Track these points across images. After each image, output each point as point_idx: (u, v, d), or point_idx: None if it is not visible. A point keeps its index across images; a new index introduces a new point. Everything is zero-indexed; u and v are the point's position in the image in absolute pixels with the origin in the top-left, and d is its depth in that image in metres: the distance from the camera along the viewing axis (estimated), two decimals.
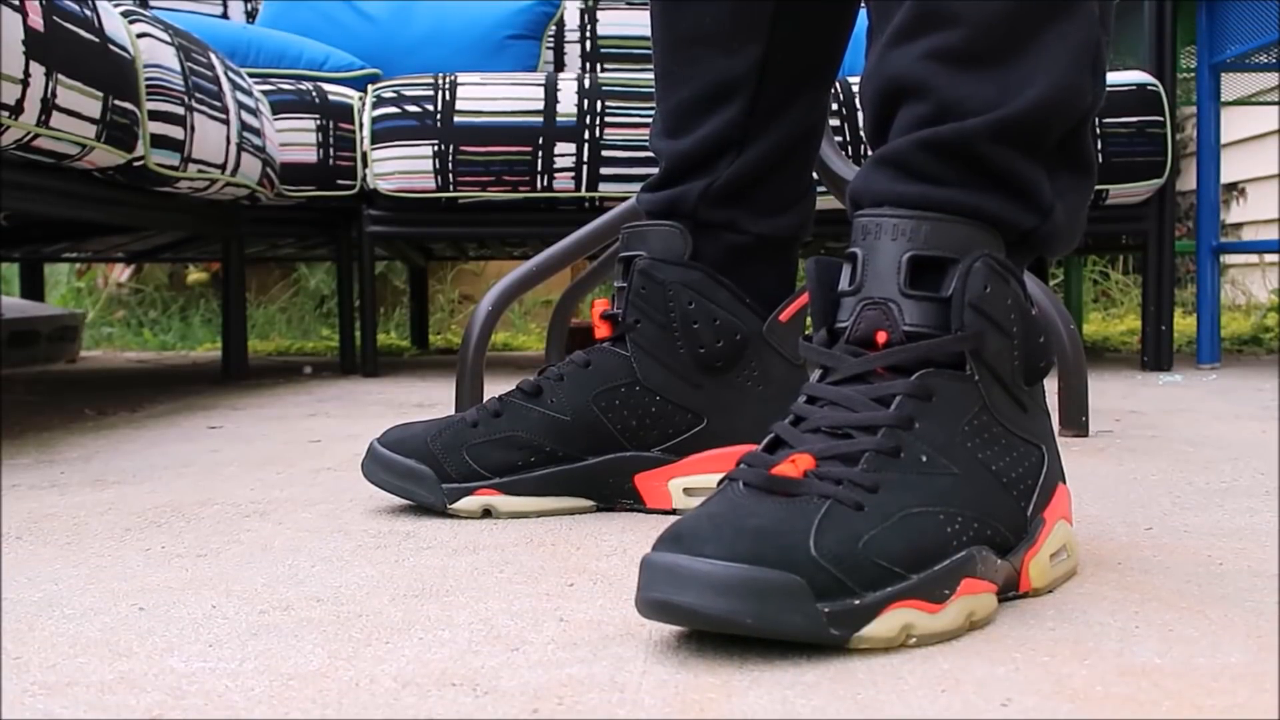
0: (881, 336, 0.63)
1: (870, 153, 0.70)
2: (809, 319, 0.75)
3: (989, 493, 0.61)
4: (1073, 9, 0.65)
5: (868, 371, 0.62)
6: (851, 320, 0.64)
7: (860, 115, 0.77)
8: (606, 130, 2.04)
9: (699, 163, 0.88)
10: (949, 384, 0.62)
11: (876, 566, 0.55)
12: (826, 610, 0.53)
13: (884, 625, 0.54)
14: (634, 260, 0.88)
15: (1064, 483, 0.68)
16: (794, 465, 0.58)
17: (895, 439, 0.60)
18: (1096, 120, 2.23)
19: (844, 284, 0.65)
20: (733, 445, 0.86)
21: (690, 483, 0.87)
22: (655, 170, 0.92)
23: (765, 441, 0.62)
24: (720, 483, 0.61)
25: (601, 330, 0.90)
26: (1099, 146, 2.07)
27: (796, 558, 0.53)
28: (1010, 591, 0.62)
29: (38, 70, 1.19)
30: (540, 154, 2.04)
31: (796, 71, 0.88)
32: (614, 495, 0.88)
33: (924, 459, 0.60)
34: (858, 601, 0.54)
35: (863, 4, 0.74)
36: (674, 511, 0.87)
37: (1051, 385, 1.32)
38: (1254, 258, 3.92)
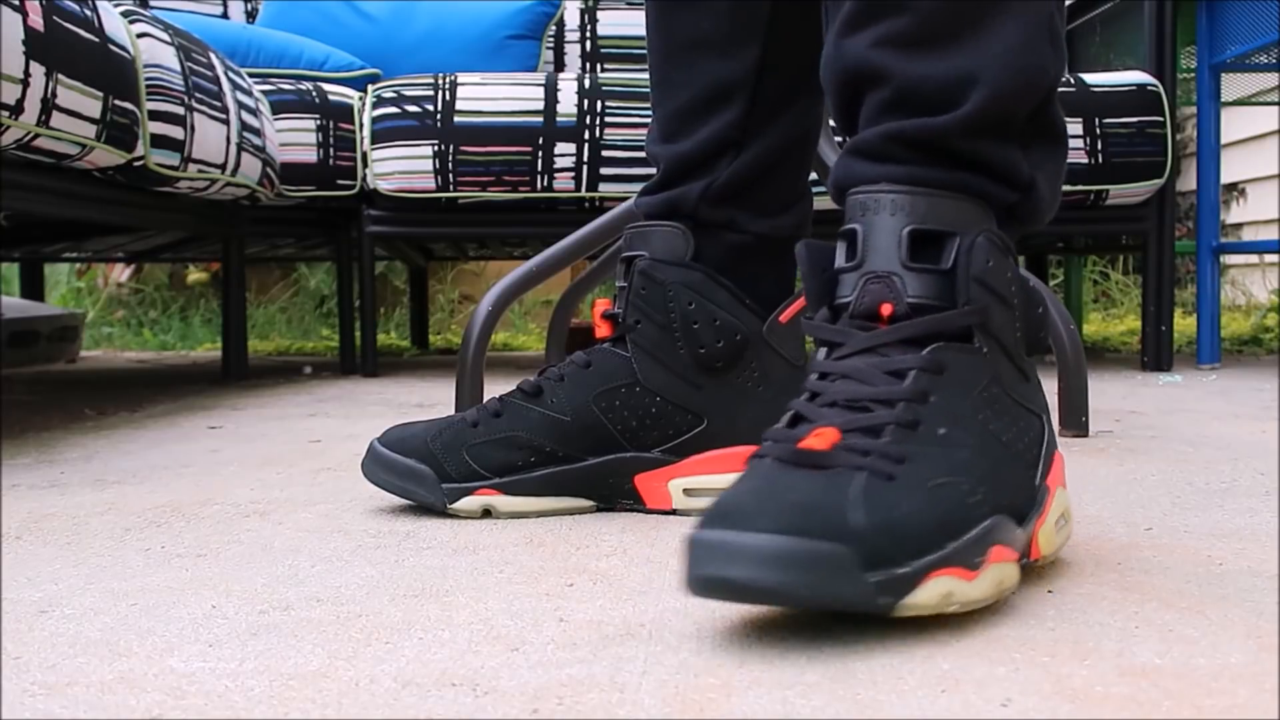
0: (886, 309, 0.63)
1: (844, 139, 0.71)
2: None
3: (1002, 463, 0.62)
4: None
5: (878, 344, 0.63)
6: (855, 294, 0.64)
7: None
8: (606, 130, 2.04)
9: (699, 163, 0.88)
10: (959, 357, 0.63)
11: (915, 536, 0.55)
12: (873, 580, 0.53)
13: (927, 593, 0.55)
14: (634, 260, 0.88)
15: (1058, 449, 0.70)
16: (821, 438, 0.58)
17: (913, 412, 0.60)
18: (1096, 120, 2.23)
19: (841, 260, 0.66)
20: (733, 446, 0.86)
21: (690, 483, 0.87)
22: (655, 170, 0.92)
23: (785, 418, 0.62)
24: (749, 461, 0.60)
25: (602, 330, 0.90)
26: (1099, 146, 2.07)
27: (842, 529, 0.54)
28: (1024, 560, 0.63)
29: (38, 70, 1.19)
30: (540, 154, 2.04)
31: (794, 73, 0.88)
32: (614, 495, 0.88)
33: (941, 432, 0.60)
34: (901, 570, 0.54)
35: None
36: (674, 512, 0.87)
37: (1051, 385, 1.33)
38: (1254, 258, 3.92)
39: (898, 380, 0.61)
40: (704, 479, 0.86)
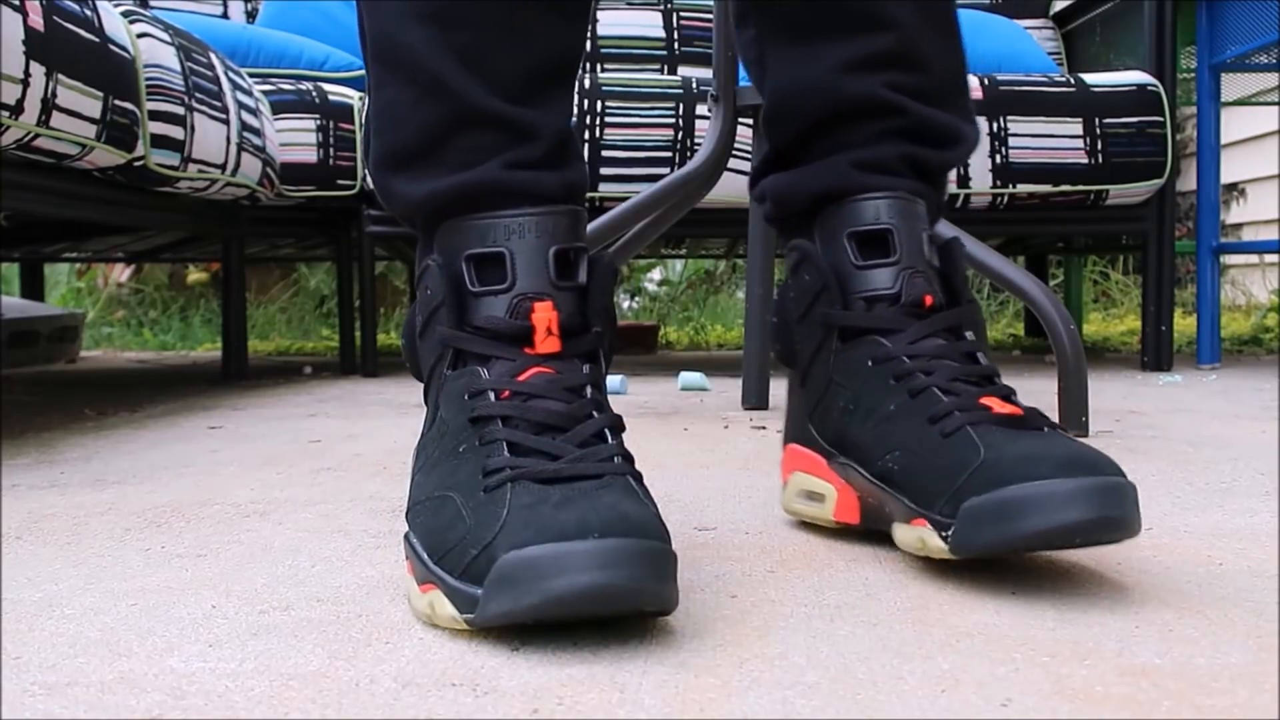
0: (928, 300, 0.73)
1: (783, 143, 0.79)
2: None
3: None
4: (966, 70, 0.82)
5: (935, 331, 0.72)
6: (902, 286, 0.73)
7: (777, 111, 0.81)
8: (606, 130, 2.04)
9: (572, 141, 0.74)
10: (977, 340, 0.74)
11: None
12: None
13: None
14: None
15: None
16: (1004, 406, 0.66)
17: (1007, 387, 0.70)
18: (1096, 120, 2.23)
19: (858, 257, 0.74)
20: None
21: None
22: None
23: (908, 389, 0.68)
24: (954, 429, 0.65)
25: None
26: (1099, 147, 2.07)
27: (1118, 469, 0.62)
28: None
29: (38, 70, 1.19)
30: None
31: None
32: None
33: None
34: None
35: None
36: None
37: (1051, 385, 1.33)
38: (1254, 258, 3.92)
39: (974, 361, 0.71)
40: None
